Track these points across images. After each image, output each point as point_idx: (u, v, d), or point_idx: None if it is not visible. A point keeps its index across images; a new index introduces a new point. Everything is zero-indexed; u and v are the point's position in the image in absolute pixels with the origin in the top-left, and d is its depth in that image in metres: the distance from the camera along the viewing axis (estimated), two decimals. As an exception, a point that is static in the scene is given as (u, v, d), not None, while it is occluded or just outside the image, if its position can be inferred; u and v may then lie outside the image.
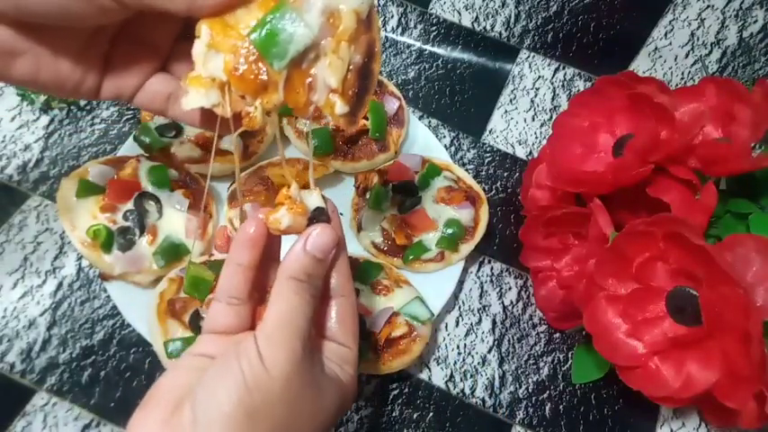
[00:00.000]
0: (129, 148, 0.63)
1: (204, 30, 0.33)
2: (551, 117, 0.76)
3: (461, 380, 0.62)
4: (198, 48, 0.34)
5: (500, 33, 0.79)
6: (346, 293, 0.40)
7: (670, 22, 0.81)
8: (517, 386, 0.62)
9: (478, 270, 0.67)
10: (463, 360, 0.63)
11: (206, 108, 0.35)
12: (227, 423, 0.31)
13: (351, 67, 0.34)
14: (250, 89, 0.34)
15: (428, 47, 0.78)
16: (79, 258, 0.62)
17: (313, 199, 0.38)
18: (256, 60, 0.33)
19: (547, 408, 0.62)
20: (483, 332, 0.64)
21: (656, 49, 0.80)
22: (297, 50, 0.33)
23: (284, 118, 0.66)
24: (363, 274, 0.59)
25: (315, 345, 0.38)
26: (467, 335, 0.64)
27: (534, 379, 0.63)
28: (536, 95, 0.77)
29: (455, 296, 0.65)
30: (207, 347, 0.37)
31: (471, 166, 0.72)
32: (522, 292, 0.66)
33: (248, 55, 0.33)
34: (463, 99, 0.75)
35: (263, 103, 0.34)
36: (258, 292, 0.39)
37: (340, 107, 0.34)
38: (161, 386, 0.34)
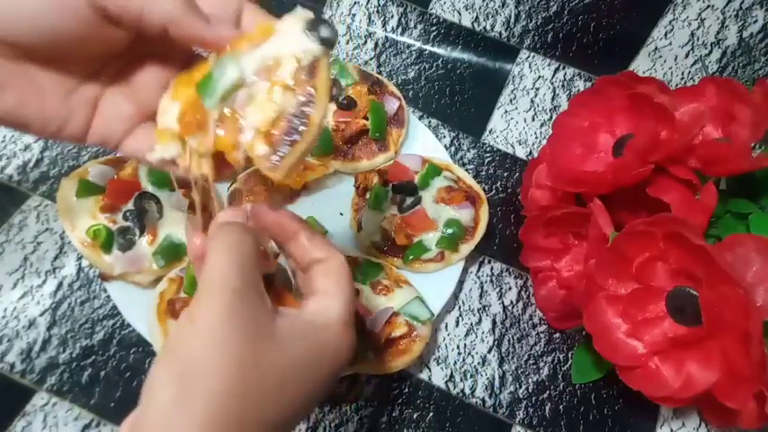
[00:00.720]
0: (129, 148, 0.63)
1: (172, 85, 0.35)
2: (551, 117, 0.75)
3: (461, 380, 0.62)
4: (163, 101, 0.35)
5: (500, 33, 0.79)
6: (330, 256, 0.37)
7: (670, 22, 0.80)
8: (517, 386, 0.62)
9: (478, 270, 0.67)
10: (463, 360, 0.63)
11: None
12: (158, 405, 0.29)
13: (284, 112, 0.33)
14: (189, 132, 0.34)
15: (428, 47, 0.78)
16: (79, 258, 0.62)
17: None
18: (196, 103, 0.34)
19: (547, 408, 0.62)
20: (483, 332, 0.64)
21: (656, 49, 0.80)
22: (225, 88, 0.33)
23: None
24: (363, 274, 0.59)
25: (278, 301, 0.36)
26: (467, 335, 0.64)
27: (534, 379, 0.63)
28: (536, 95, 0.77)
29: (455, 296, 0.65)
30: None
31: (471, 166, 0.72)
32: (522, 292, 0.66)
33: (193, 100, 0.34)
34: (463, 99, 0.75)
35: (198, 146, 0.35)
36: None
37: (259, 148, 0.34)
38: None
